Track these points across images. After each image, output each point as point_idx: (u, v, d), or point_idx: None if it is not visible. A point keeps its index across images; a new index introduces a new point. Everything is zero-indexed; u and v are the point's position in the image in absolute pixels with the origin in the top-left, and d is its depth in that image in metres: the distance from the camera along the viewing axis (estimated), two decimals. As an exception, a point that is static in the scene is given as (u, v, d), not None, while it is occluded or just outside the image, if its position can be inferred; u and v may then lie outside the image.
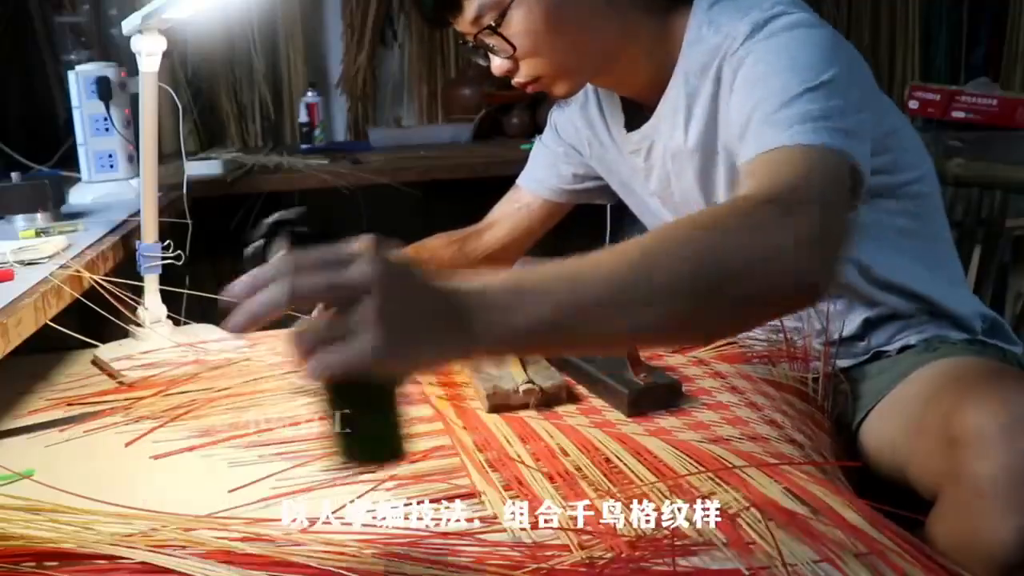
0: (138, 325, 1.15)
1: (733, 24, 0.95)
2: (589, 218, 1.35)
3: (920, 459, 0.93)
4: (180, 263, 1.18)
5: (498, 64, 1.00)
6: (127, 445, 0.88)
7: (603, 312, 0.61)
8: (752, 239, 0.68)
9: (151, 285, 1.17)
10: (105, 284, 1.09)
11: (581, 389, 0.97)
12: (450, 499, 0.73)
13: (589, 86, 1.17)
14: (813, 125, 0.83)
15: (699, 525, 0.66)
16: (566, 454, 0.79)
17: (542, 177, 1.27)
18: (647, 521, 0.67)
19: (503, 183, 1.33)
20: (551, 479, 0.74)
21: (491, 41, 0.98)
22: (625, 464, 0.77)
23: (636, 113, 1.10)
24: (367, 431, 0.60)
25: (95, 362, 1.11)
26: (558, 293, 0.60)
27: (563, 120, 1.23)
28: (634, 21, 1.01)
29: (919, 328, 1.09)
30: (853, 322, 1.10)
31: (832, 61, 0.89)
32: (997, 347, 1.09)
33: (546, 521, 0.68)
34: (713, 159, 1.03)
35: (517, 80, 1.01)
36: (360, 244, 0.56)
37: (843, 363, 1.10)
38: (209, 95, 2.59)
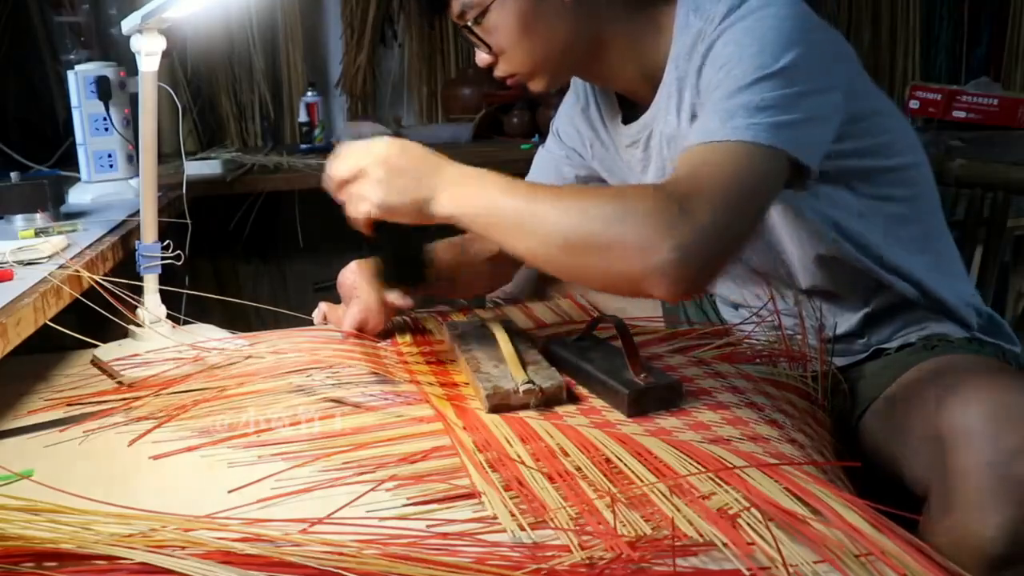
0: (137, 325, 1.14)
1: (714, 6, 0.98)
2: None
3: (910, 456, 0.93)
4: (180, 263, 1.18)
5: (480, 57, 1.07)
6: (128, 445, 0.88)
7: (507, 224, 0.88)
8: (628, 223, 0.82)
9: (151, 285, 1.17)
10: (105, 284, 1.09)
11: (581, 389, 0.96)
12: (450, 499, 0.73)
13: (586, 87, 1.20)
14: (749, 121, 0.88)
15: (699, 526, 0.66)
16: (566, 454, 0.79)
17: (544, 179, 1.27)
18: (647, 521, 0.67)
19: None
20: (551, 479, 0.74)
21: (472, 37, 1.05)
22: (625, 464, 0.77)
23: (633, 108, 1.11)
24: (392, 263, 1.08)
25: (94, 362, 1.11)
26: (479, 203, 0.89)
27: (565, 124, 1.25)
28: (611, 21, 1.04)
29: (919, 326, 1.09)
30: (851, 319, 1.10)
31: (795, 43, 0.91)
32: (996, 346, 1.09)
33: (546, 521, 0.68)
34: None
35: (497, 73, 1.08)
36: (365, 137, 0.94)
37: (842, 361, 1.11)
38: (209, 95, 2.59)
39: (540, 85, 1.09)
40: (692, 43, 0.99)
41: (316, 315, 1.16)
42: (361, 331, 1.10)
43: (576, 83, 1.23)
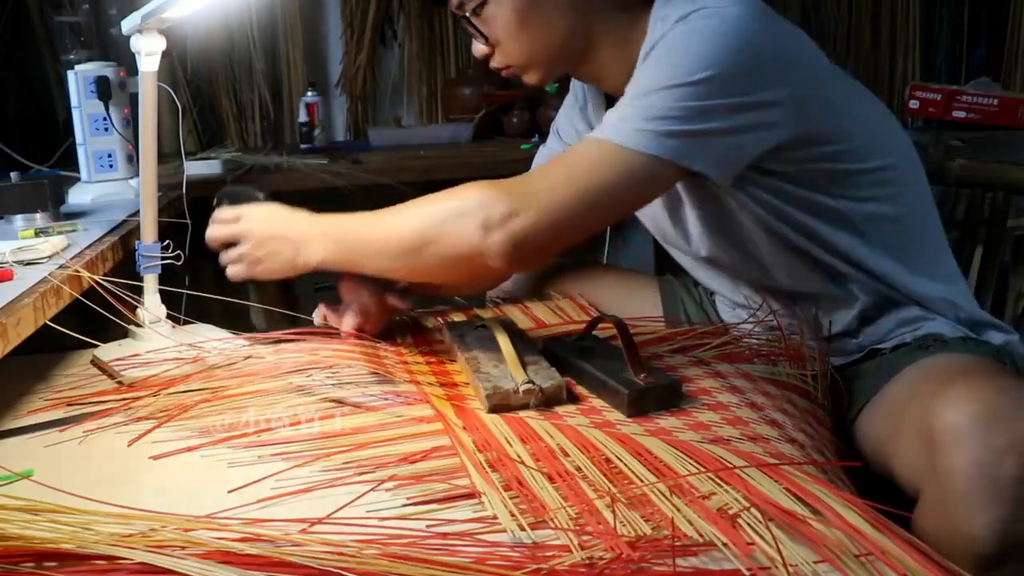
0: (137, 325, 1.14)
1: (677, 10, 0.99)
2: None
3: (902, 456, 0.93)
4: (179, 263, 1.18)
5: (477, 48, 1.11)
6: (128, 445, 0.88)
7: (357, 257, 1.02)
8: (457, 218, 0.95)
9: (150, 285, 1.17)
10: (105, 284, 1.09)
11: (581, 389, 0.96)
12: (450, 499, 0.73)
13: (584, 88, 1.22)
14: (634, 127, 0.94)
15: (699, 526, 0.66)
16: (566, 454, 0.79)
17: None
18: (647, 521, 0.67)
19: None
20: (551, 479, 0.74)
21: (470, 27, 1.09)
22: (625, 464, 0.77)
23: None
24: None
25: (94, 362, 1.11)
26: (338, 242, 1.02)
27: (564, 124, 1.27)
28: (603, 20, 1.07)
29: (914, 326, 1.09)
30: (844, 319, 1.10)
31: (726, 58, 0.93)
32: (990, 344, 1.09)
33: (546, 521, 0.68)
34: None
35: (492, 65, 1.11)
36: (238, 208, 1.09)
37: (837, 361, 1.11)
38: (209, 95, 2.58)
39: (535, 78, 1.12)
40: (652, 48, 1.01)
41: (316, 316, 1.17)
42: (360, 331, 1.10)
43: (575, 84, 1.24)
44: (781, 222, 1.06)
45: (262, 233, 1.05)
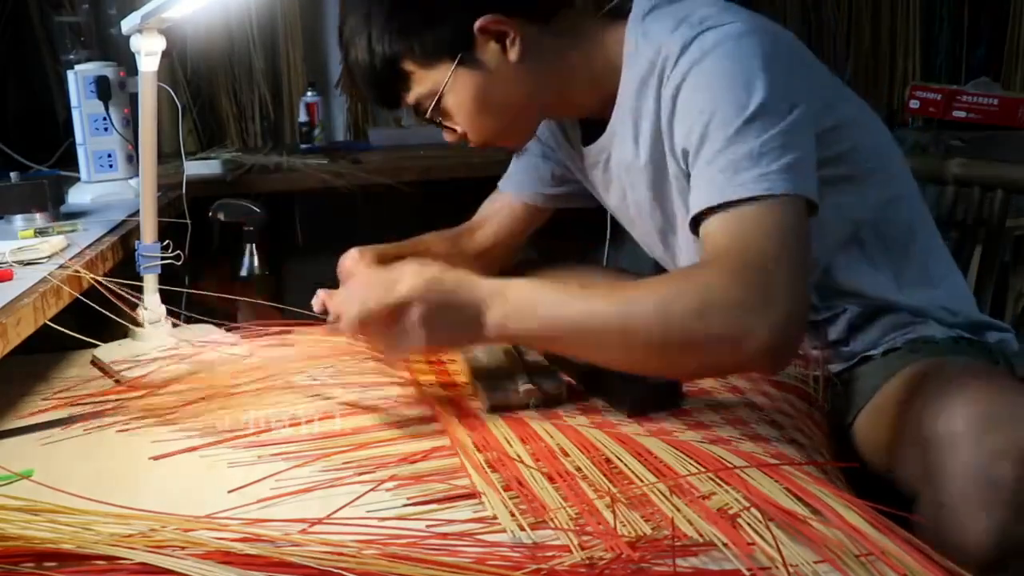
0: (137, 325, 1.14)
1: (665, 39, 0.96)
2: (590, 218, 1.35)
3: (900, 461, 0.93)
4: (179, 263, 1.18)
5: (448, 136, 1.08)
6: (127, 446, 0.88)
7: (572, 340, 0.84)
8: (715, 316, 0.79)
9: (150, 285, 1.17)
10: (104, 284, 1.09)
11: (581, 389, 0.96)
12: (450, 499, 0.73)
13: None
14: (757, 172, 0.85)
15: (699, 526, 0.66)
16: (566, 454, 0.79)
17: (522, 180, 1.28)
18: (647, 521, 0.67)
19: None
20: (551, 479, 0.74)
21: (435, 123, 1.07)
22: (625, 464, 0.77)
23: (592, 125, 1.11)
24: None
25: (94, 362, 1.11)
26: (545, 318, 0.82)
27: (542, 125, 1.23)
28: (562, 60, 1.03)
29: (904, 330, 1.08)
30: (836, 328, 1.09)
31: (762, 73, 0.89)
32: (982, 344, 1.08)
33: (546, 521, 0.68)
34: (664, 173, 1.03)
35: (471, 144, 1.08)
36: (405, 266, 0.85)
37: (832, 368, 1.10)
38: (209, 95, 2.58)
39: (515, 143, 1.13)
40: (645, 74, 0.98)
41: (315, 303, 1.17)
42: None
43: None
44: None
45: (435, 300, 0.82)
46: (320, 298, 1.15)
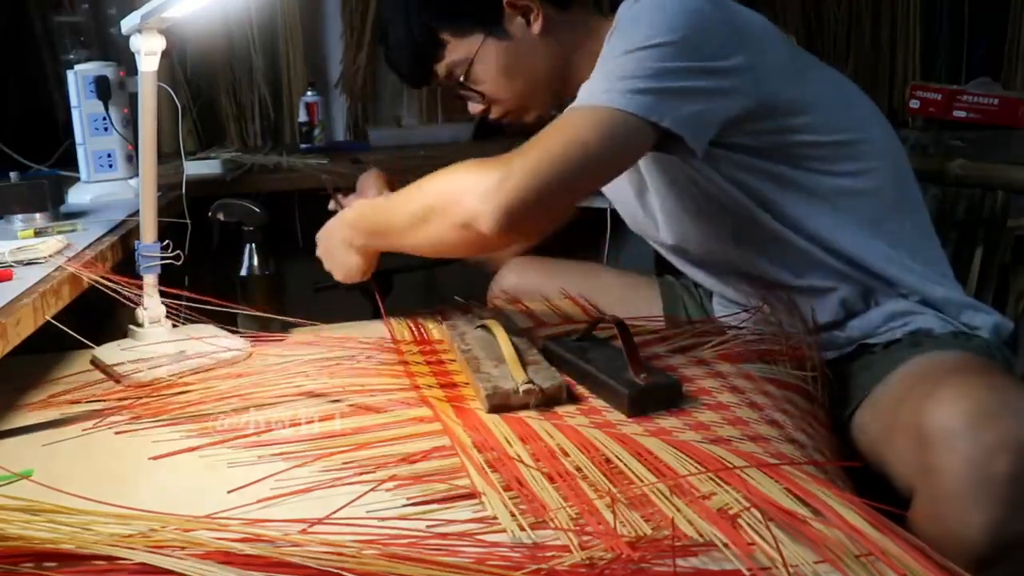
0: (137, 325, 1.14)
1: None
2: (590, 217, 1.36)
3: (895, 456, 0.94)
4: (179, 263, 1.18)
5: (473, 107, 1.22)
6: (126, 446, 0.88)
7: (390, 235, 1.09)
8: (457, 186, 0.99)
9: (150, 285, 1.17)
10: (105, 284, 1.09)
11: (581, 389, 0.96)
12: (450, 500, 0.73)
13: None
14: (605, 87, 0.97)
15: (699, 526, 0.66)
16: (566, 454, 0.79)
17: None
18: (647, 521, 0.67)
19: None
20: (551, 479, 0.74)
21: (463, 90, 1.19)
22: (625, 464, 0.77)
23: None
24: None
25: (94, 362, 1.11)
26: (375, 224, 1.11)
27: None
28: (578, 39, 1.14)
29: (903, 320, 1.08)
30: (827, 306, 1.10)
31: (685, 24, 0.97)
32: (981, 338, 1.08)
33: (546, 521, 0.68)
34: None
35: (492, 117, 1.22)
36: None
37: (828, 355, 1.10)
38: (208, 95, 2.58)
39: (533, 116, 1.21)
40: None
41: (331, 205, 1.34)
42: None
43: None
44: (748, 197, 1.08)
45: (326, 246, 1.17)
46: (334, 202, 1.34)
